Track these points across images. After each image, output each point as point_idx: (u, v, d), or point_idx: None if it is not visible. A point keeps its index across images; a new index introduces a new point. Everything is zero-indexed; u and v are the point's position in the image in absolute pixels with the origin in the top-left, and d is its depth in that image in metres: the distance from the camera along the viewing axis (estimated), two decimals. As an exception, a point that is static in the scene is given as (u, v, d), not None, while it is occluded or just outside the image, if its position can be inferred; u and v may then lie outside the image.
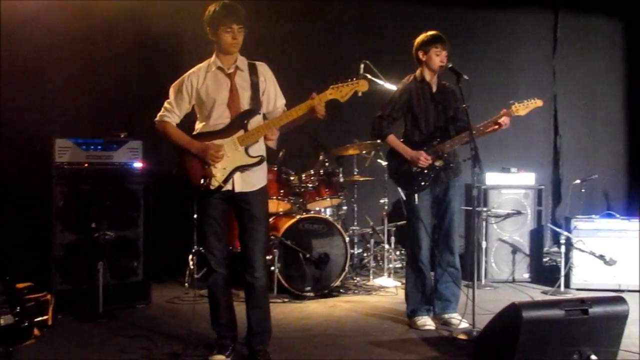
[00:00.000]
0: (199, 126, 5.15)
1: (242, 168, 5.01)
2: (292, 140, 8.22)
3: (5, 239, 7.01)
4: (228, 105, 5.03)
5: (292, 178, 7.79)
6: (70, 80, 7.81)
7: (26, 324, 5.12)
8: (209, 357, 5.14)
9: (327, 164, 8.00)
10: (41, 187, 6.57)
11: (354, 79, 5.00)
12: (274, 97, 5.20)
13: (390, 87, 7.53)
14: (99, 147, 6.61)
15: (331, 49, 9.40)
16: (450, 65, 5.93)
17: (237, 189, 5.03)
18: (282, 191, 7.71)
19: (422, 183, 6.01)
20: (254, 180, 5.13)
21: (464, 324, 5.91)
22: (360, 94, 5.09)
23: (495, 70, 10.08)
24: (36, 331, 5.47)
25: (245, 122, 5.02)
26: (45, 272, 6.38)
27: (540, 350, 4.68)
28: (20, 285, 5.70)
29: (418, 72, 6.15)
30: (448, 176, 6.09)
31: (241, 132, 4.99)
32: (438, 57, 6.00)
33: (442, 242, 6.16)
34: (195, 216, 6.71)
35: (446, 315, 6.12)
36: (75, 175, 6.47)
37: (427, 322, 6.03)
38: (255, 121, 5.09)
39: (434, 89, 6.14)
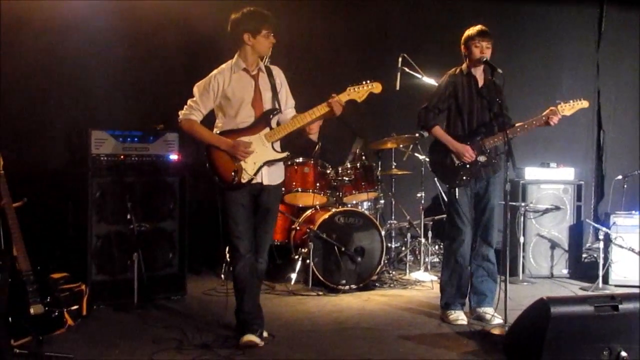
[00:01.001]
0: (220, 124, 5.40)
1: (270, 162, 5.32)
2: (330, 133, 8.25)
3: (43, 230, 7.10)
4: (252, 104, 5.33)
5: (328, 171, 7.79)
6: (109, 74, 7.91)
7: (56, 313, 5.16)
8: (240, 339, 5.26)
9: (364, 157, 7.96)
10: (78, 179, 6.62)
11: (369, 81, 5.29)
12: (285, 98, 5.50)
13: (429, 80, 7.52)
14: (136, 139, 6.66)
15: (371, 43, 9.36)
16: (485, 59, 5.89)
17: (265, 182, 5.34)
18: (318, 184, 7.71)
19: (465, 177, 5.97)
20: (278, 174, 5.50)
21: (497, 319, 5.86)
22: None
23: (539, 65, 9.98)
24: (70, 321, 5.53)
25: (270, 120, 5.34)
26: (82, 263, 6.46)
27: (569, 346, 4.64)
28: (56, 276, 5.77)
29: (464, 65, 6.11)
30: (488, 172, 6.05)
31: (267, 130, 5.32)
32: (477, 49, 5.94)
33: (481, 236, 6.12)
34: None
35: (481, 310, 6.08)
36: (112, 167, 6.52)
37: (459, 316, 5.99)
38: (285, 117, 5.46)
39: (480, 84, 6.08)
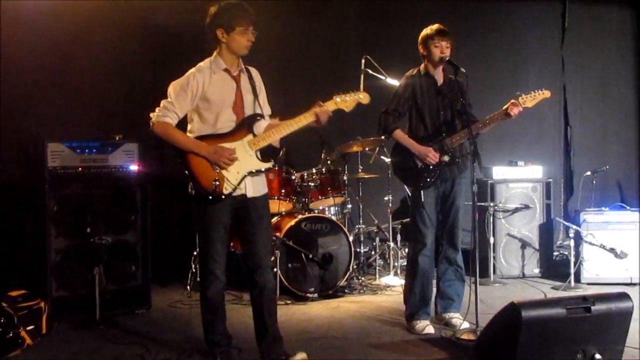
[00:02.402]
0: (195, 128, 4.96)
1: (254, 172, 4.96)
2: (294, 138, 8.10)
3: (0, 245, 6.93)
4: (234, 108, 4.95)
5: (294, 177, 7.64)
6: (64, 84, 7.72)
7: (11, 334, 4.98)
8: None
9: (329, 161, 7.84)
10: (35, 192, 6.45)
11: (356, 90, 5.11)
12: (263, 104, 5.15)
13: (392, 81, 7.41)
14: (94, 150, 6.49)
15: (331, 45, 9.24)
16: (447, 58, 5.79)
17: (250, 194, 4.95)
18: (283, 190, 7.59)
19: (429, 179, 5.86)
20: (262, 184, 5.12)
21: (466, 324, 5.75)
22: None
23: (503, 61, 9.94)
24: (29, 339, 5.38)
25: (252, 126, 4.98)
26: (41, 279, 6.28)
27: (543, 350, 4.55)
28: (14, 293, 5.62)
29: (422, 66, 6.01)
30: (453, 172, 5.94)
31: (250, 136, 4.95)
32: (437, 49, 5.83)
33: (446, 239, 6.03)
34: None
35: (448, 315, 5.98)
36: (70, 179, 6.34)
37: (425, 325, 5.84)
38: (260, 125, 5.07)
39: (440, 83, 5.98)
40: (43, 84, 7.54)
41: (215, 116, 4.90)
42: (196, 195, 4.87)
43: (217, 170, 4.81)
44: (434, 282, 6.16)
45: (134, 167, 6.65)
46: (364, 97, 5.11)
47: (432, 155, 5.78)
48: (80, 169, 6.41)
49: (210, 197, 4.81)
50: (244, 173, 4.88)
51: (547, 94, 5.97)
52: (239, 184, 4.86)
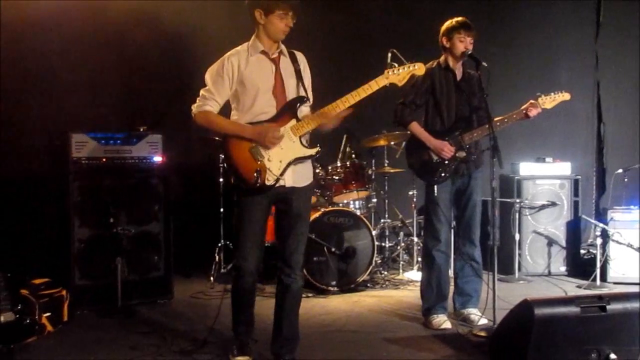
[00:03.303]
0: (235, 116, 4.75)
1: (298, 160, 4.67)
2: (318, 131, 8.11)
3: (25, 235, 7.04)
4: (273, 92, 4.68)
5: (317, 170, 7.62)
6: (90, 76, 7.78)
7: (28, 320, 5.05)
8: (230, 357, 4.96)
9: (354, 155, 7.81)
10: (59, 183, 6.54)
11: (410, 62, 4.76)
12: (308, 88, 4.87)
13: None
14: (118, 141, 6.55)
15: (357, 39, 9.20)
16: (469, 52, 5.73)
17: (289, 184, 4.68)
18: (307, 184, 7.54)
19: (443, 174, 5.81)
20: (305, 174, 4.82)
21: (484, 321, 5.70)
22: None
23: (534, 57, 9.81)
24: (49, 327, 5.45)
25: (297, 110, 4.70)
26: (64, 268, 6.36)
27: (555, 348, 4.49)
28: (37, 281, 5.70)
29: (442, 58, 5.93)
30: (469, 168, 5.88)
31: (293, 122, 4.65)
32: (462, 44, 5.76)
33: (463, 234, 5.98)
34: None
35: (465, 311, 5.93)
36: (93, 170, 6.41)
37: (442, 320, 5.82)
38: (304, 110, 4.79)
39: (459, 77, 5.91)
40: (68, 76, 7.60)
41: (252, 100, 4.65)
42: (235, 186, 4.70)
43: (259, 161, 4.56)
44: (452, 277, 6.12)
45: (157, 159, 6.70)
46: (418, 68, 4.75)
47: (447, 150, 5.72)
48: (104, 160, 6.48)
49: (252, 189, 4.60)
50: (287, 162, 4.61)
51: (566, 96, 5.91)
52: (281, 173, 4.60)
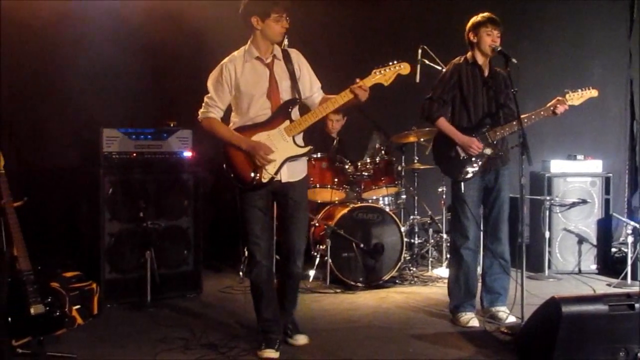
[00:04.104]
0: (235, 119, 5.09)
1: (291, 158, 5.00)
2: (348, 128, 8.12)
3: (56, 229, 7.12)
4: (268, 96, 4.98)
5: (347, 166, 7.61)
6: (120, 71, 7.76)
7: (58, 313, 5.10)
8: (258, 352, 5.03)
9: (384, 152, 7.80)
10: (90, 177, 6.60)
11: (396, 61, 4.94)
12: (309, 82, 5.13)
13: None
14: (148, 136, 6.61)
15: (388, 35, 9.14)
16: (499, 48, 5.68)
17: (284, 179, 5.01)
18: (336, 180, 7.56)
19: (470, 171, 5.78)
20: (299, 170, 5.14)
21: (512, 318, 5.67)
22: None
23: (568, 53, 9.72)
24: (80, 320, 5.49)
25: (290, 112, 5.00)
26: (94, 262, 6.43)
27: (582, 346, 4.50)
28: (67, 275, 5.74)
29: (469, 54, 5.90)
30: (496, 165, 5.84)
31: (287, 123, 4.98)
32: (489, 37, 5.72)
33: (491, 232, 5.93)
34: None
35: (494, 309, 5.90)
36: (124, 164, 6.48)
37: (470, 318, 5.79)
38: (297, 110, 5.09)
39: (486, 73, 5.87)
40: (100, 71, 7.63)
41: (247, 105, 4.98)
42: (236, 185, 5.04)
43: (255, 162, 4.92)
44: (480, 275, 6.11)
45: (187, 154, 6.75)
46: (403, 68, 4.95)
47: (475, 146, 5.67)
48: (134, 154, 6.54)
49: (250, 186, 4.95)
50: (281, 161, 4.95)
51: (594, 92, 5.88)
52: (276, 172, 4.93)
